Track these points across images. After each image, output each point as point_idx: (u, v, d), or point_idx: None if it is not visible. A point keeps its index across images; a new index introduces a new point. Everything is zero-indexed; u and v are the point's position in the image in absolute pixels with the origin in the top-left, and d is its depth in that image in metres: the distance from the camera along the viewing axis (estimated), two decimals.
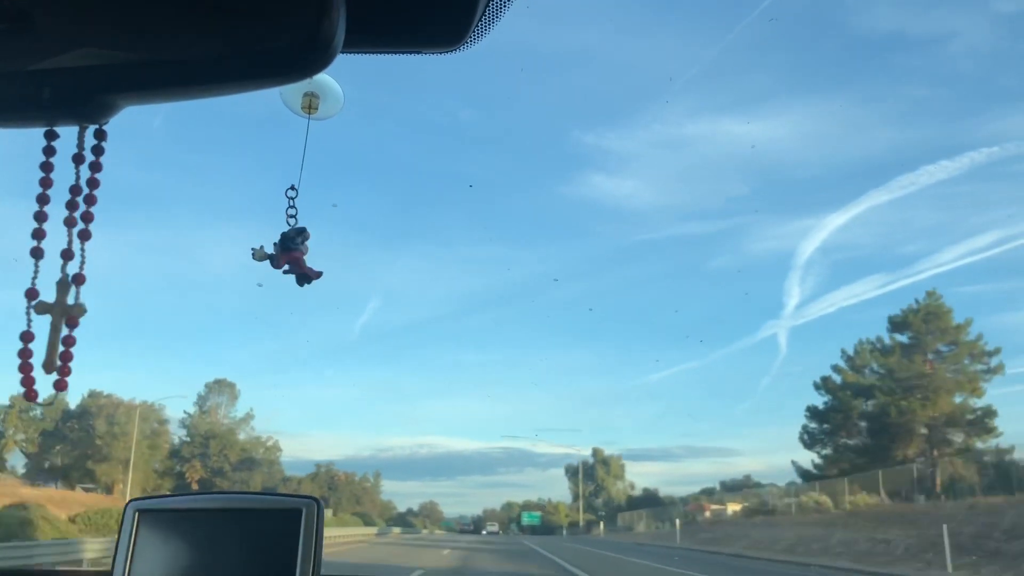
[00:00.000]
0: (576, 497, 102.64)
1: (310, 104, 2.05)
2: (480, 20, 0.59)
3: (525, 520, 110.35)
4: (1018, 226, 72.87)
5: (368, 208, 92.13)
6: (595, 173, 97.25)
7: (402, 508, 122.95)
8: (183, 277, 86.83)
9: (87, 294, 0.59)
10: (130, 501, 1.32)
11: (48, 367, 0.59)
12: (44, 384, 0.62)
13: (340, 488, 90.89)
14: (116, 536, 1.30)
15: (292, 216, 1.72)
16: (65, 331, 0.59)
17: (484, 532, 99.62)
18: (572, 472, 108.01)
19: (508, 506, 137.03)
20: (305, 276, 1.70)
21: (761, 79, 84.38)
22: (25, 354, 0.58)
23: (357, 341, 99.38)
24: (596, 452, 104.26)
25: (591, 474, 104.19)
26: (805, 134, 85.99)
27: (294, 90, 1.99)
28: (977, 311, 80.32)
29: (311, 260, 1.82)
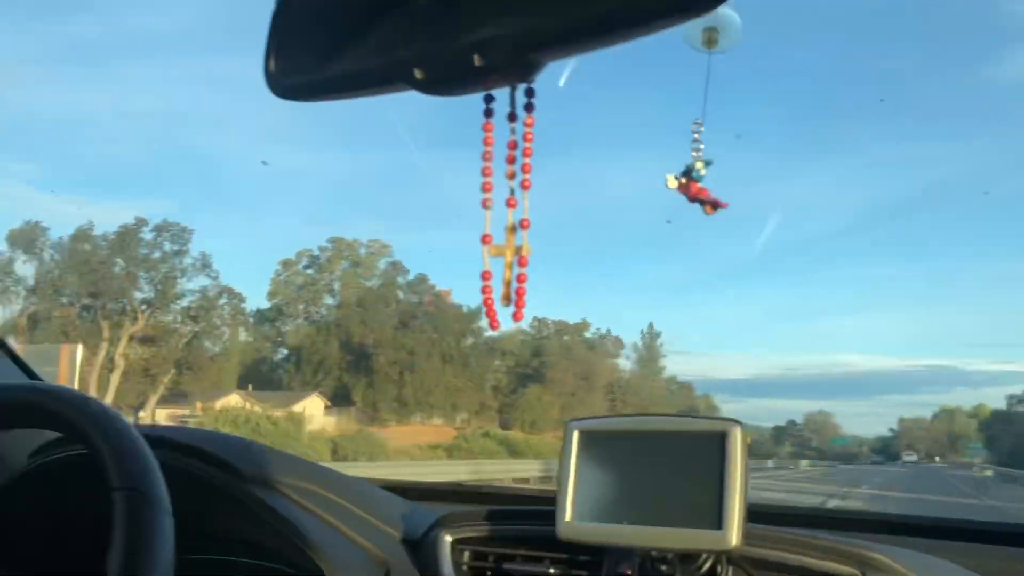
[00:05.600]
0: None
1: (709, 39, 2.03)
2: None
3: None
4: None
5: (766, 121, 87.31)
6: None
7: (781, 422, 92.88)
8: (590, 209, 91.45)
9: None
10: (570, 421, 1.44)
11: (505, 301, 0.66)
12: (504, 316, 0.70)
13: (433, 317, 39.52)
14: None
15: (698, 149, 1.77)
16: (517, 270, 0.65)
17: (899, 464, 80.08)
18: None
19: (946, 414, 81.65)
20: (714, 205, 1.73)
21: None
22: (486, 290, 0.66)
23: (758, 259, 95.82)
24: None
25: None
26: None
27: (693, 27, 1.98)
28: None
29: (715, 185, 1.84)
